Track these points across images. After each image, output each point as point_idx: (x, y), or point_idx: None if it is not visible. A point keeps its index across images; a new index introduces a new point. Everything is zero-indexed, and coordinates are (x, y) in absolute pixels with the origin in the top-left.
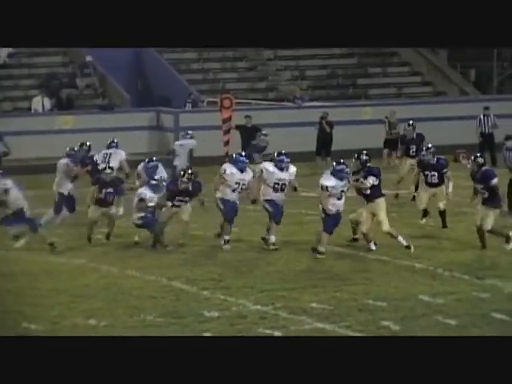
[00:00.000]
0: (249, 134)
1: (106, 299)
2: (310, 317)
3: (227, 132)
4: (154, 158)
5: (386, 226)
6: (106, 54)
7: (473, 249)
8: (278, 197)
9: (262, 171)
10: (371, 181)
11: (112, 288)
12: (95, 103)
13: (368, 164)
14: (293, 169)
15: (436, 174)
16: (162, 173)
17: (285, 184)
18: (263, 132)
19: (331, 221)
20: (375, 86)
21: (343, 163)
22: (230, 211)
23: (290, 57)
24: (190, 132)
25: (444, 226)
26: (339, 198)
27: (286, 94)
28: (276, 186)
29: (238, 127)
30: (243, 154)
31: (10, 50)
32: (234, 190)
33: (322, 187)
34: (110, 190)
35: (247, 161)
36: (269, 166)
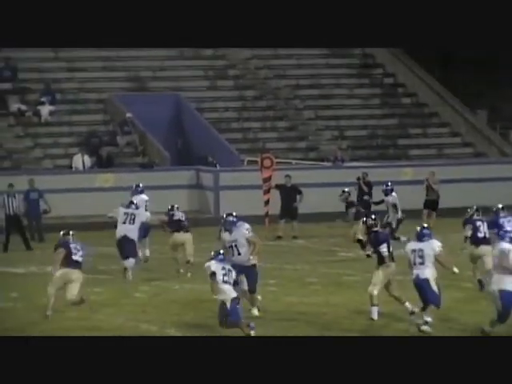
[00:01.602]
0: (288, 193)
1: None
2: None
3: (267, 191)
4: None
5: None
6: (146, 112)
7: None
8: (236, 259)
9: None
10: (385, 249)
11: None
12: (135, 161)
13: (374, 229)
14: (243, 228)
15: None
16: None
17: (236, 245)
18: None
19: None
20: (415, 147)
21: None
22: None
23: (331, 117)
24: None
25: None
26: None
27: (327, 154)
28: (230, 249)
29: (277, 186)
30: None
31: (51, 108)
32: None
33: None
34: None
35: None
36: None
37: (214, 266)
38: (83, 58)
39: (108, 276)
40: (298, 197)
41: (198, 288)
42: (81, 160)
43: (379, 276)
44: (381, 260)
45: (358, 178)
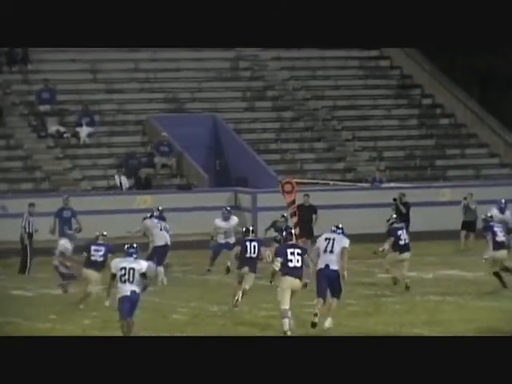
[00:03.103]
0: (306, 212)
1: None
2: None
3: (294, 214)
4: None
5: None
6: (184, 133)
7: None
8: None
9: None
10: None
11: None
12: (173, 183)
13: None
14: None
15: None
16: None
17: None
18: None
19: None
20: (453, 168)
21: None
22: None
23: (368, 137)
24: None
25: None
26: None
27: (364, 175)
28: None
29: (297, 206)
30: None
31: (90, 129)
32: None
33: None
34: None
35: None
36: None
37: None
38: (121, 79)
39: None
40: (313, 216)
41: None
42: (118, 181)
43: None
44: None
45: (395, 199)
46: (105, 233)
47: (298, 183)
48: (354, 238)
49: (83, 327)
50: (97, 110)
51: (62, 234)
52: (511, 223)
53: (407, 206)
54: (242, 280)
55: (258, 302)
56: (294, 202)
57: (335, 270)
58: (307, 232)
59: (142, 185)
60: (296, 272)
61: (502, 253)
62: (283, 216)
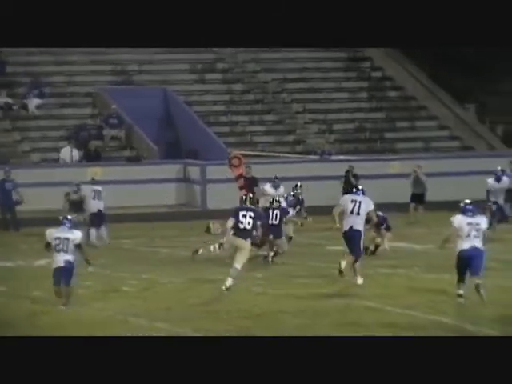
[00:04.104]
0: (248, 184)
1: None
2: None
3: (242, 188)
4: None
5: None
6: (134, 106)
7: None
8: None
9: None
10: None
11: None
12: (123, 155)
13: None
14: None
15: None
16: None
17: None
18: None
19: None
20: (403, 140)
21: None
22: None
23: (318, 110)
24: None
25: None
26: None
27: (314, 148)
28: None
29: (244, 179)
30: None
31: (39, 101)
32: None
33: None
34: None
35: None
36: None
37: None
38: (71, 51)
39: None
40: (256, 189)
41: (185, 282)
42: (69, 153)
43: None
44: None
45: (348, 171)
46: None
47: (246, 155)
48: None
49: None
50: (47, 82)
51: (5, 206)
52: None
53: (357, 178)
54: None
55: (207, 274)
56: (241, 175)
57: (358, 230)
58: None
59: (92, 157)
60: (244, 234)
61: None
62: (296, 185)
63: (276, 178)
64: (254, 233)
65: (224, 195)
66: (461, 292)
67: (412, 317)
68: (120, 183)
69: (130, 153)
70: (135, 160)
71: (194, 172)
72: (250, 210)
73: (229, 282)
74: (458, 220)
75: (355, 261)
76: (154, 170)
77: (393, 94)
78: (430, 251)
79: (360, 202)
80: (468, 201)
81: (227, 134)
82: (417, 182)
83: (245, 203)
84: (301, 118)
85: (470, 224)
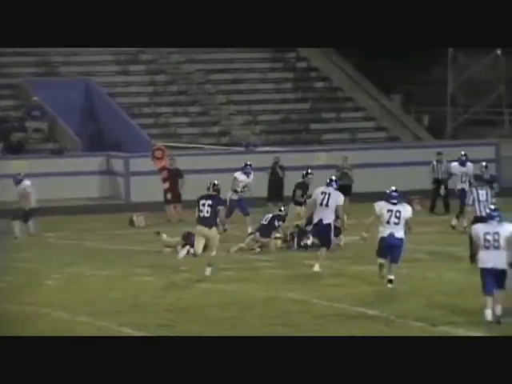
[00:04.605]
0: (171, 176)
1: None
2: None
3: (165, 180)
4: None
5: None
6: (57, 97)
7: (427, 296)
8: None
9: None
10: None
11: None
12: (47, 147)
13: None
14: None
15: None
16: None
17: None
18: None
19: None
20: (329, 132)
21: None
22: None
23: (243, 101)
24: None
25: None
26: None
27: (239, 139)
28: None
29: (168, 171)
30: None
31: None
32: None
33: None
34: None
35: None
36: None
37: None
38: None
39: (20, 263)
40: (179, 181)
41: (110, 275)
42: None
43: None
44: None
45: (276, 163)
46: None
47: (170, 147)
48: None
49: None
50: None
51: None
52: (471, 175)
53: (283, 169)
54: None
55: (132, 268)
56: (164, 167)
57: (328, 224)
58: (177, 196)
59: (15, 149)
60: (205, 221)
61: None
62: (308, 173)
63: (246, 164)
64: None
65: (148, 188)
66: (384, 275)
67: (339, 309)
68: (43, 176)
69: (53, 145)
70: (58, 152)
71: (117, 164)
72: (209, 197)
73: (207, 271)
74: (380, 206)
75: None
76: (77, 162)
77: (319, 84)
78: (357, 243)
79: (329, 194)
80: (393, 188)
81: (151, 125)
82: (343, 173)
83: (208, 191)
84: (226, 109)
85: (390, 211)
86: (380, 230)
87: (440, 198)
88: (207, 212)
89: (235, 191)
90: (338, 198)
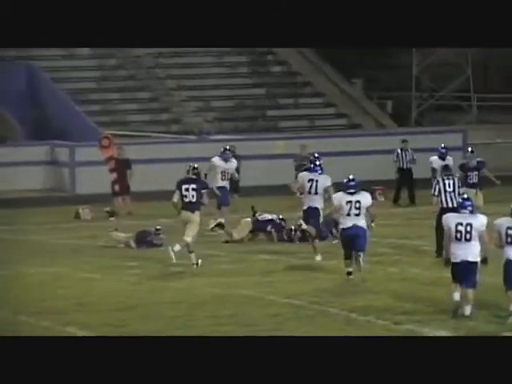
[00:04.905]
0: (120, 166)
1: None
2: None
3: (113, 171)
4: None
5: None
6: None
7: (390, 293)
8: None
9: None
10: None
11: None
12: None
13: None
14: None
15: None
16: None
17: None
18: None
19: None
20: (286, 118)
21: None
22: None
23: (195, 86)
24: None
25: None
26: None
27: (192, 127)
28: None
29: (116, 161)
30: None
31: None
32: None
33: None
34: None
35: None
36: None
37: None
38: None
39: None
40: (128, 172)
41: (56, 272)
42: None
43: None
44: None
45: (232, 152)
46: None
47: (118, 136)
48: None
49: None
50: None
51: None
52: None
53: (238, 158)
54: None
55: (78, 263)
56: (112, 157)
57: (315, 208)
58: (126, 188)
59: None
60: (190, 206)
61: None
62: (315, 156)
63: (226, 149)
64: (204, 200)
65: (94, 179)
66: (350, 270)
67: (297, 307)
68: None
69: None
70: None
71: (62, 154)
72: (192, 181)
73: (174, 251)
74: (338, 197)
75: (314, 238)
76: (18, 151)
77: (276, 69)
78: None
79: (317, 181)
80: (351, 177)
81: (98, 112)
82: (302, 162)
83: (187, 174)
84: (177, 96)
85: (349, 202)
86: (341, 222)
87: (404, 188)
88: (192, 197)
89: (222, 179)
90: (326, 182)
